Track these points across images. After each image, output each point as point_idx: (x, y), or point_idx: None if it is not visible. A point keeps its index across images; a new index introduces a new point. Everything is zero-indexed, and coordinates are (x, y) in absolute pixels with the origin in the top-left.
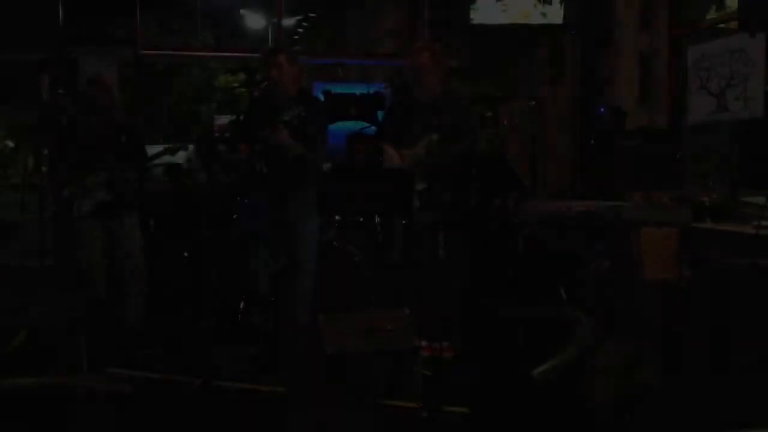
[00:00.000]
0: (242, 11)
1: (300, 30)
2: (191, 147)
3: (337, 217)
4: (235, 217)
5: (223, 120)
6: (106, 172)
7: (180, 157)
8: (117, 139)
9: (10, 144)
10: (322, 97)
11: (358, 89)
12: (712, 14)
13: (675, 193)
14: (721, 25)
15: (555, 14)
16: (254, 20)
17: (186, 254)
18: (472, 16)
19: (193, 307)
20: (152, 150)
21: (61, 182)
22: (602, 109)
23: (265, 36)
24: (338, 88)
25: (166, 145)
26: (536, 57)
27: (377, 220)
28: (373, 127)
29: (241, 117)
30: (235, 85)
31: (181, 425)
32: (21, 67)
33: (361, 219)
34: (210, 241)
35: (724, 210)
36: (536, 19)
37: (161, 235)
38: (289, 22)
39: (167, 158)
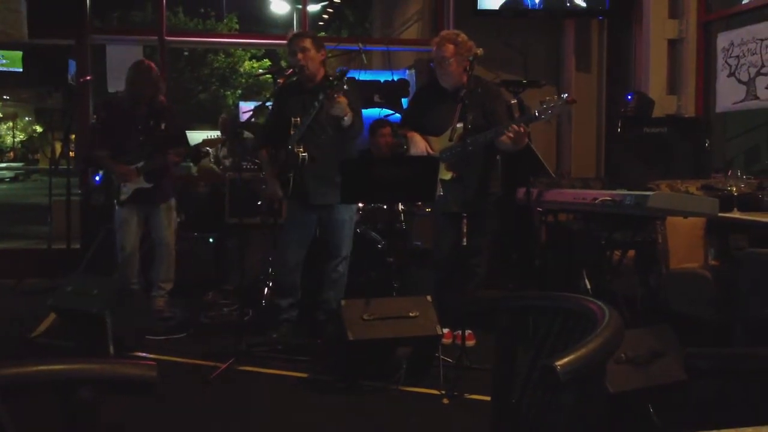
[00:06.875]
0: None
1: (325, 16)
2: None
3: (360, 204)
4: (259, 203)
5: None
6: (146, 159)
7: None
8: (158, 125)
9: (38, 129)
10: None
11: (383, 76)
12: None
13: (702, 182)
14: (752, 11)
15: None
16: (279, 6)
17: (211, 240)
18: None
19: (218, 293)
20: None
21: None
22: (629, 97)
23: (289, 22)
24: (362, 75)
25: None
26: (562, 43)
27: (401, 207)
28: (398, 114)
29: (267, 104)
30: (260, 71)
31: (205, 410)
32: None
33: (385, 206)
34: (235, 227)
35: (752, 200)
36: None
37: (187, 220)
38: (314, 8)
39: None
